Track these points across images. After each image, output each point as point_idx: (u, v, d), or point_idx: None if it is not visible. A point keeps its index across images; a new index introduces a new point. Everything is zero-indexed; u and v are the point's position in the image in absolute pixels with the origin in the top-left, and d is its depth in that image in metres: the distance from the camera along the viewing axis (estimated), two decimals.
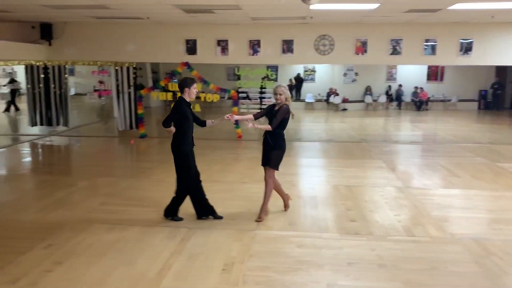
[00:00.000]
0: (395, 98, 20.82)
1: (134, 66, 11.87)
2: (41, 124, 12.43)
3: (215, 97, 11.66)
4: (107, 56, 11.74)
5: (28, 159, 10.29)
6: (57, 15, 9.94)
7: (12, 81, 17.09)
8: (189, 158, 5.28)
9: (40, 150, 11.17)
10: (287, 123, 5.43)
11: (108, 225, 5.38)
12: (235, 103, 11.82)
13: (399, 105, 20.67)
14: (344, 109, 20.10)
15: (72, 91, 15.74)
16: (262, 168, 5.63)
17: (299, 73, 21.10)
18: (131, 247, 4.77)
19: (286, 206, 5.92)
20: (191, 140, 5.33)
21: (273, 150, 5.41)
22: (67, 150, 11.48)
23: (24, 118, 14.33)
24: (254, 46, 11.21)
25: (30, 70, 12.07)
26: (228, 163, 8.93)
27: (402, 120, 18.31)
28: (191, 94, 5.32)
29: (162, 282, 3.98)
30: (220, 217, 5.56)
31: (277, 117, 5.27)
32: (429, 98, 19.97)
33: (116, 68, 11.86)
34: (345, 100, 20.29)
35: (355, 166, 8.77)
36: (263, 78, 12.23)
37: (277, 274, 4.13)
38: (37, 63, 11.93)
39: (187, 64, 11.28)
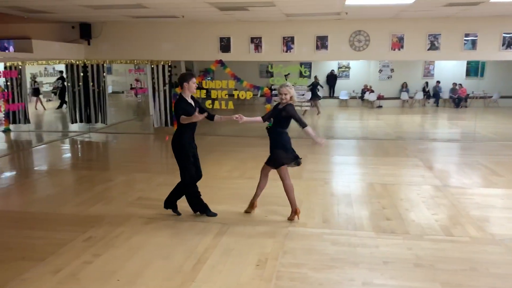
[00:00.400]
0: (432, 94, 20.27)
1: (169, 64, 12.09)
2: (81, 121, 12.84)
3: (248, 95, 11.71)
4: (143, 55, 11.99)
5: (68, 155, 10.66)
6: (95, 15, 10.22)
7: (61, 78, 17.23)
8: (187, 151, 5.30)
9: (79, 146, 11.54)
10: (289, 122, 5.31)
11: (145, 219, 5.51)
12: (268, 100, 11.81)
13: (436, 102, 20.10)
14: (379, 106, 19.72)
15: (109, 89, 16.11)
16: (296, 167, 5.56)
17: (333, 70, 20.86)
18: (167, 241, 4.87)
19: (250, 207, 5.74)
20: (192, 136, 5.36)
21: (275, 149, 5.34)
22: (105, 146, 11.81)
23: (65, 115, 14.83)
24: (288, 43, 11.15)
25: (70, 69, 12.50)
26: (261, 160, 8.82)
27: (439, 117, 17.80)
28: (190, 88, 5.33)
29: (198, 275, 4.04)
30: (214, 214, 5.56)
31: (296, 116, 5.17)
32: (468, 94, 19.34)
33: (152, 66, 12.11)
34: (380, 97, 19.91)
35: (391, 164, 8.61)
36: (285, 76, 12.09)
37: (312, 271, 4.11)
38: (77, 62, 12.32)
39: (220, 62, 11.37)
